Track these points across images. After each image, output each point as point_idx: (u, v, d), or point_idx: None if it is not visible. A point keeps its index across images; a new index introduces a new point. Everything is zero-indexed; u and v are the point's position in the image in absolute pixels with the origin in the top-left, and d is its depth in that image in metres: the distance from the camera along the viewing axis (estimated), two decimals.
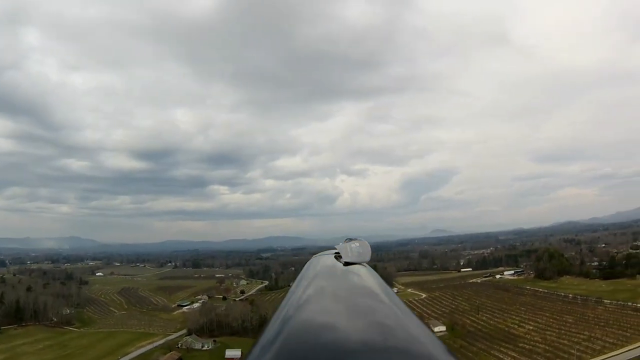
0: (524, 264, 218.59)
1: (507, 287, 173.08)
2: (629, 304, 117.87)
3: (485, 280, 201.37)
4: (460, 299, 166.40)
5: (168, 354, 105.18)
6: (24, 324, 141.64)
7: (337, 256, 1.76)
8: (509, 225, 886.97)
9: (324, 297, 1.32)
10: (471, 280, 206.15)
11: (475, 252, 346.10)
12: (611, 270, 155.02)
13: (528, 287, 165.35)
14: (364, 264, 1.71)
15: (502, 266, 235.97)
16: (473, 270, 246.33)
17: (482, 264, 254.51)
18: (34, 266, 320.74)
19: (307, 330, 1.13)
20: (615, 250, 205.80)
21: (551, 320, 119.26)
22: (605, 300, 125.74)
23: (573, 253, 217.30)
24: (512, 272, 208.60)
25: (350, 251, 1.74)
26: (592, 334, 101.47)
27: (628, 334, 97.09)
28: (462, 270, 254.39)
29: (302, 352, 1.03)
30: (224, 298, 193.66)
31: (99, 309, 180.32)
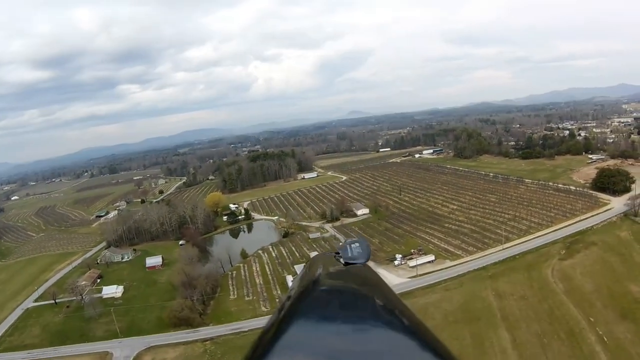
0: (442, 142, 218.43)
1: (427, 167, 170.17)
2: (550, 183, 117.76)
3: (404, 160, 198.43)
4: (381, 179, 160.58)
5: (87, 274, 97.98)
6: None
7: (337, 256, 1.77)
8: (424, 105, 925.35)
9: (323, 297, 1.32)
10: (391, 160, 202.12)
11: (393, 132, 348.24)
12: (529, 150, 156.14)
13: (448, 166, 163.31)
14: (364, 264, 1.73)
15: (420, 145, 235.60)
16: (392, 150, 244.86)
17: (400, 143, 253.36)
18: None
19: (308, 331, 1.11)
20: (531, 131, 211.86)
21: (474, 199, 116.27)
22: (527, 180, 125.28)
23: (489, 133, 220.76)
24: (431, 151, 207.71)
25: (350, 251, 1.76)
26: (517, 214, 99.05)
27: (552, 214, 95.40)
28: (381, 150, 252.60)
29: (302, 352, 1.01)
30: (143, 201, 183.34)
31: (16, 236, 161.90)
